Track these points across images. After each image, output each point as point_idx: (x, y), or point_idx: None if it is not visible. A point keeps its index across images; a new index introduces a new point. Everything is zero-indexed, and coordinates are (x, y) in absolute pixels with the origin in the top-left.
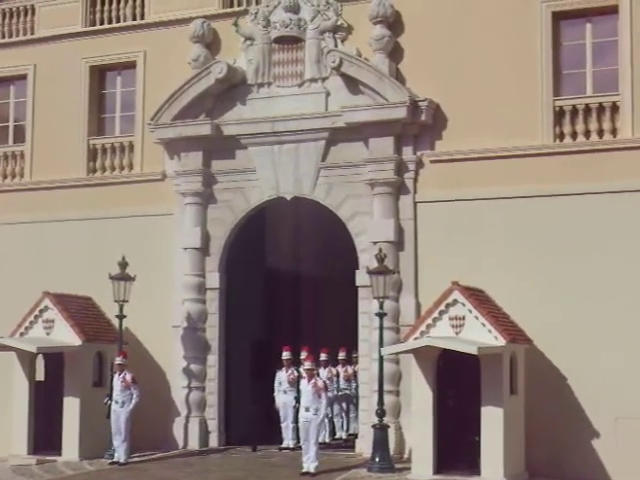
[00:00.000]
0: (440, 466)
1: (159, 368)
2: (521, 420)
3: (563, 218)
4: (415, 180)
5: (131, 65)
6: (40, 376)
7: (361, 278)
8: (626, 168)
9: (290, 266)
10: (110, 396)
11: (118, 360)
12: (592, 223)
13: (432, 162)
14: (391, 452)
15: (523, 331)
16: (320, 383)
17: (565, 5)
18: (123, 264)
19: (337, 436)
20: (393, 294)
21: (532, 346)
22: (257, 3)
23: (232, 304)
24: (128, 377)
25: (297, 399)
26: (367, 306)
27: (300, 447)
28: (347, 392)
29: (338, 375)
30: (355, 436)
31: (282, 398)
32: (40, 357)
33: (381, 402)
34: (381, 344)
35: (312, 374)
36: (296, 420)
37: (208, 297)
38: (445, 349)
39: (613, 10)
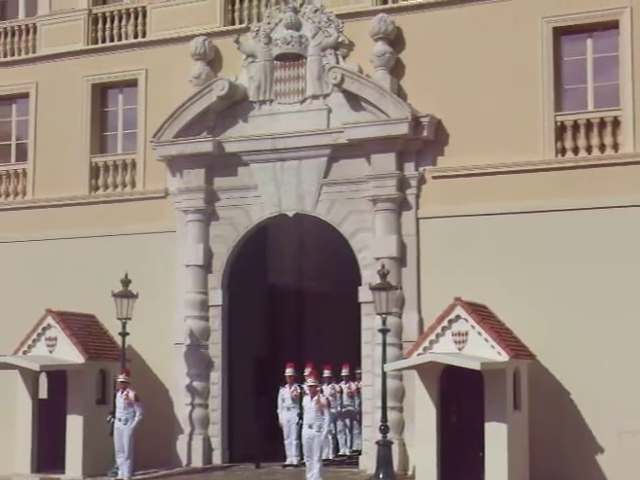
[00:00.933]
0: None
1: (162, 385)
2: (525, 435)
3: (565, 233)
4: (417, 196)
5: (133, 83)
6: (43, 394)
7: (364, 294)
8: (628, 183)
9: (292, 283)
10: (113, 414)
11: (121, 378)
12: (594, 238)
13: (434, 178)
14: (395, 468)
15: (526, 346)
16: (323, 400)
17: (566, 20)
18: (126, 281)
19: (341, 452)
20: (396, 310)
21: (535, 361)
22: (258, 20)
23: (235, 321)
24: (131, 395)
25: (300, 415)
26: (370, 322)
27: (304, 464)
28: (350, 408)
29: (341, 391)
30: (359, 452)
31: (285, 415)
32: (43, 375)
33: (384, 418)
34: (384, 360)
35: (315, 391)
36: (299, 437)
37: (211, 314)
38: (448, 365)
39: (614, 25)
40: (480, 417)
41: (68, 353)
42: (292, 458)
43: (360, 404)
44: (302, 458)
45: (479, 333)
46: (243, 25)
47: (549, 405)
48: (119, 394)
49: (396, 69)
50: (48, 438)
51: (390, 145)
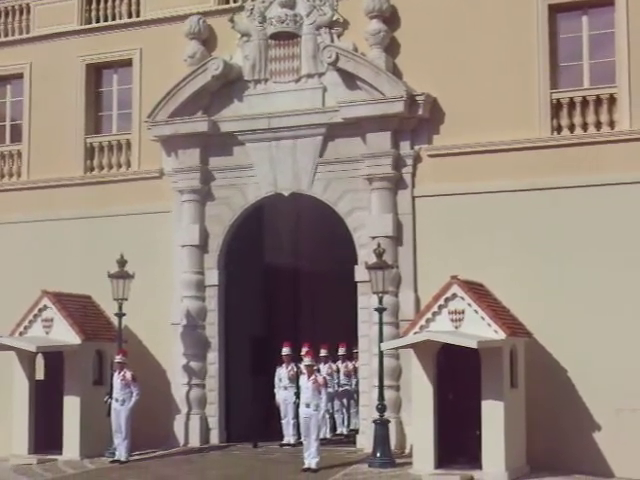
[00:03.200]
0: (441, 460)
1: (159, 366)
2: (522, 413)
3: (561, 211)
4: (413, 175)
5: (127, 63)
6: (40, 375)
7: (360, 273)
8: (624, 160)
9: (289, 262)
10: (110, 394)
11: (118, 358)
12: (591, 216)
13: (430, 156)
14: (392, 447)
15: (523, 324)
16: (320, 379)
17: None
18: (122, 262)
19: (338, 432)
20: (392, 289)
21: (532, 339)
22: None
23: (231, 301)
24: (128, 375)
25: (297, 395)
26: (366, 301)
27: (301, 443)
28: (347, 388)
29: (338, 371)
30: (356, 431)
31: (282, 394)
32: (40, 356)
33: (381, 397)
34: (381, 339)
35: (312, 370)
36: (296, 416)
37: (207, 294)
38: (445, 343)
39: (609, 2)
40: (477, 395)
41: (64, 334)
42: (289, 437)
43: (357, 383)
44: (299, 437)
45: (475, 311)
46: (237, 4)
47: (546, 383)
48: (116, 375)
49: (391, 47)
50: (45, 419)
51: (385, 124)
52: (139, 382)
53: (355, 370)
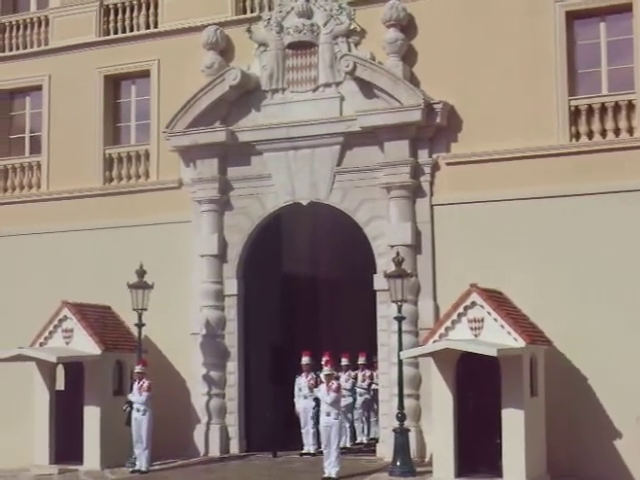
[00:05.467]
0: (461, 469)
1: (179, 376)
2: (542, 422)
3: (580, 218)
4: (431, 183)
5: (145, 74)
6: (60, 386)
7: (379, 282)
8: None
9: (307, 271)
10: (129, 403)
11: (138, 368)
12: (610, 222)
13: (448, 164)
14: (412, 456)
15: (542, 332)
16: (334, 385)
17: (579, 4)
18: (141, 272)
19: (358, 441)
20: (411, 297)
21: (552, 347)
22: (270, 9)
23: (250, 310)
24: (145, 385)
25: (317, 401)
26: (385, 310)
27: (321, 452)
28: (367, 397)
29: (356, 378)
30: (376, 440)
31: (302, 403)
32: (60, 367)
33: (401, 406)
34: (400, 348)
35: (331, 379)
36: (316, 425)
37: (226, 304)
38: (465, 352)
39: (627, 8)
40: (497, 404)
41: (84, 345)
42: (309, 447)
43: (375, 391)
44: (319, 447)
45: (495, 319)
46: (255, 14)
47: (566, 391)
48: (136, 385)
49: (408, 56)
50: (66, 429)
51: (403, 132)
52: (152, 392)
53: (372, 378)
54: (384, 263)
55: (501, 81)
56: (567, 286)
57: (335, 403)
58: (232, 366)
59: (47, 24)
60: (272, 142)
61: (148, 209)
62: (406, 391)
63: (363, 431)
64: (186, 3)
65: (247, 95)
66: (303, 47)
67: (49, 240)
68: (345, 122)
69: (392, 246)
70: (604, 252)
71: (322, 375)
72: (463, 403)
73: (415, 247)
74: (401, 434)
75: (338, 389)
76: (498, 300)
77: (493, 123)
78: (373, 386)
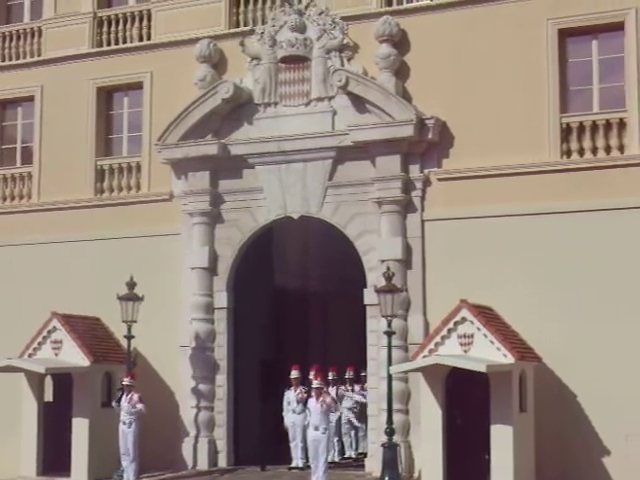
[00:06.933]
0: None
1: (167, 388)
2: (531, 438)
3: (571, 235)
4: (422, 198)
5: (138, 86)
6: (49, 397)
7: (369, 296)
8: (634, 184)
9: (298, 285)
10: (119, 400)
11: (126, 381)
12: (600, 240)
13: (439, 180)
14: (401, 471)
15: (532, 349)
16: (328, 400)
17: (571, 22)
18: (131, 284)
19: (346, 455)
20: (401, 312)
21: (541, 363)
22: (263, 23)
23: (240, 323)
24: (135, 397)
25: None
26: (375, 324)
27: (309, 466)
28: (355, 411)
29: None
30: (364, 455)
31: (291, 417)
32: (49, 378)
33: (390, 421)
34: (390, 362)
35: (320, 393)
36: (305, 439)
37: (216, 317)
38: (454, 367)
39: (619, 27)
40: (486, 419)
41: (73, 356)
42: (298, 460)
43: (364, 405)
44: (308, 461)
45: (485, 335)
46: (248, 28)
47: (555, 407)
48: (124, 397)
49: (401, 71)
50: (54, 441)
51: (395, 147)
52: (145, 402)
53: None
54: (374, 278)
55: (493, 98)
56: (558, 303)
57: (325, 415)
58: (221, 379)
59: (40, 35)
60: (264, 155)
61: (139, 221)
62: (395, 406)
63: (351, 445)
64: (179, 16)
65: (239, 108)
66: (296, 61)
67: (39, 251)
68: (337, 137)
69: (383, 261)
70: (595, 269)
71: (313, 387)
72: (452, 418)
73: (406, 262)
74: (390, 449)
75: (332, 403)
76: (488, 316)
77: (485, 139)
78: (360, 398)
